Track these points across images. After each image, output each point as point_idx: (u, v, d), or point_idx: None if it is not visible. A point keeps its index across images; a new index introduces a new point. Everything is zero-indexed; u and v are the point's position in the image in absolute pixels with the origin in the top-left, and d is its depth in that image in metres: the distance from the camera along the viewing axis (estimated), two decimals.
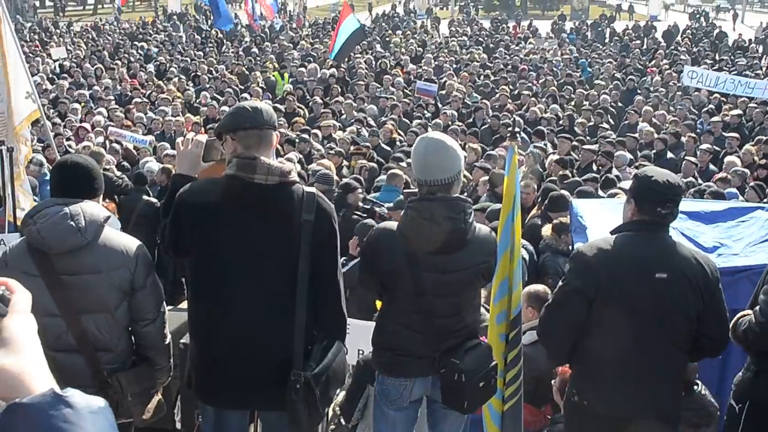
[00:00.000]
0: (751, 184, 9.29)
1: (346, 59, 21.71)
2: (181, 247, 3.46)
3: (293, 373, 3.29)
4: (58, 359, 3.37)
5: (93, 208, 3.47)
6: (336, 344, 3.48)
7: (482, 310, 4.26)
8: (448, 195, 3.59)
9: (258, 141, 3.38)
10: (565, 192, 8.33)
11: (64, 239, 3.36)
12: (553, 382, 4.49)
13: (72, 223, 3.36)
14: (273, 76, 21.05)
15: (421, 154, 3.67)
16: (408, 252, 3.57)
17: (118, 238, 3.58)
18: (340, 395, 4.78)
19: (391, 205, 7.48)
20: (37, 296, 3.31)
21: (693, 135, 13.11)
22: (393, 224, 3.73)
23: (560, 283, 3.82)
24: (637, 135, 13.20)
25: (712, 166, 11.63)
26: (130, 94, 18.33)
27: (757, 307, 3.78)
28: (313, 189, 3.46)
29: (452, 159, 3.61)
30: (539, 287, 5.29)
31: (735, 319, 3.87)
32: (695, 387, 4.22)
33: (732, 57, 24.88)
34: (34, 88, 8.16)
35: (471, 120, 15.38)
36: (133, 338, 3.75)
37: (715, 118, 14.47)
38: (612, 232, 3.79)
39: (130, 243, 3.61)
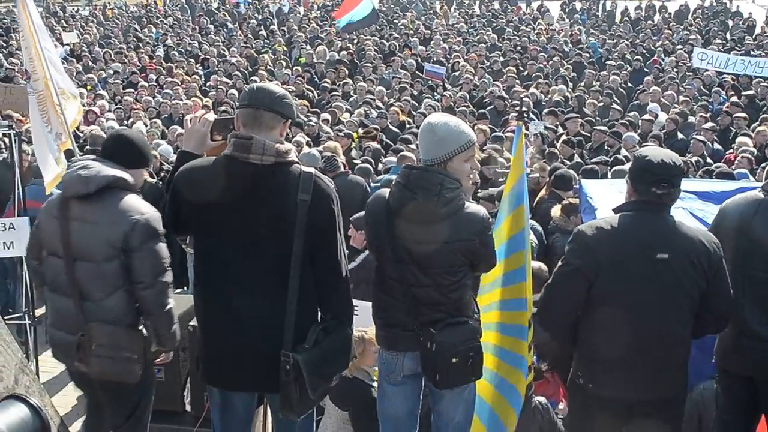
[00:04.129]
0: (763, 165, 9.18)
1: (355, 41, 21.54)
2: (179, 224, 3.49)
3: (282, 354, 3.29)
4: (54, 301, 3.88)
5: (108, 169, 3.78)
6: (338, 327, 3.47)
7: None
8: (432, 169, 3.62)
9: (251, 120, 3.35)
10: (571, 171, 8.33)
11: (71, 184, 3.79)
12: None
13: (81, 173, 3.76)
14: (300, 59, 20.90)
15: (419, 134, 3.77)
16: (389, 218, 3.63)
17: (129, 201, 3.78)
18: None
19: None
20: (52, 236, 3.59)
21: (704, 115, 12.97)
22: (387, 192, 3.77)
23: (560, 263, 3.78)
24: (659, 120, 12.85)
25: (717, 145, 11.56)
26: (137, 78, 18.25)
27: None
28: (311, 169, 3.41)
29: (438, 143, 3.61)
30: (535, 264, 5.28)
31: None
32: None
33: (741, 36, 24.55)
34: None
35: (485, 101, 15.26)
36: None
37: (734, 99, 14.30)
38: (615, 210, 3.76)
39: (137, 208, 3.75)
